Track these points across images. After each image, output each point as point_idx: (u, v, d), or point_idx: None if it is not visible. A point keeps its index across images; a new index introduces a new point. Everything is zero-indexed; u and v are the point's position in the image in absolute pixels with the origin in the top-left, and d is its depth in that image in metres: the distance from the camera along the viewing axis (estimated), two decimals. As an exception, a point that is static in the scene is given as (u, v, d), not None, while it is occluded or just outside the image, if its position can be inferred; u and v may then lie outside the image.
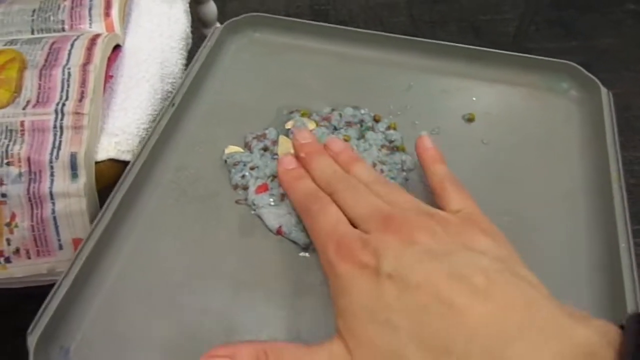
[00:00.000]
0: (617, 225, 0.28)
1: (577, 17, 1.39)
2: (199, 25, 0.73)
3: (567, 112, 0.36)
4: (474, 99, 0.36)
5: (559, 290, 0.27)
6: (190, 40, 0.44)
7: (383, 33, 0.39)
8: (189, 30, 0.44)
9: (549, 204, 0.31)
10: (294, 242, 0.29)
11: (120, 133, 0.35)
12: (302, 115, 0.35)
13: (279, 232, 0.29)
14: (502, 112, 0.36)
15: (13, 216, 0.32)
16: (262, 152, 0.33)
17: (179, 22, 0.42)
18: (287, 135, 0.33)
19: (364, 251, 0.22)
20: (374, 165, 0.32)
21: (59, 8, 0.40)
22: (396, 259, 0.21)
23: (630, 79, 1.26)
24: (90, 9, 0.40)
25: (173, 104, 0.34)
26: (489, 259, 0.21)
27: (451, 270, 0.20)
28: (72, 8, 0.40)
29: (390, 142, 0.33)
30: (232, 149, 0.33)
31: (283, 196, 0.30)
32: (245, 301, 0.26)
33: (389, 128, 0.34)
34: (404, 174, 0.32)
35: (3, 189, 0.32)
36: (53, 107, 0.33)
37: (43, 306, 0.25)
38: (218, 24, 0.73)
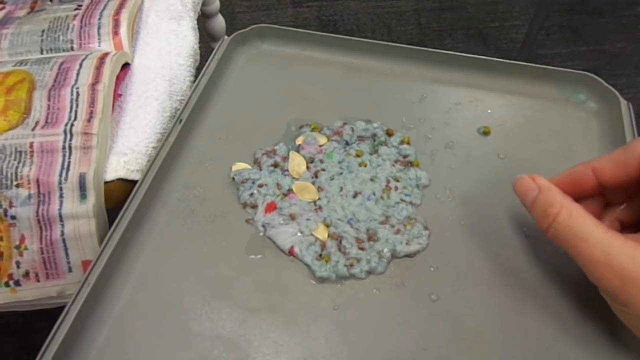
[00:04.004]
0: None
1: (588, 21, 1.37)
2: (207, 40, 0.73)
3: (585, 124, 0.35)
4: (489, 111, 0.36)
5: (582, 308, 0.26)
6: (198, 57, 0.44)
7: (394, 44, 0.38)
8: (196, 47, 0.44)
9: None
10: (307, 265, 0.28)
11: (129, 152, 0.34)
12: (313, 129, 0.34)
13: (291, 252, 0.28)
14: (518, 124, 0.35)
15: (22, 239, 0.31)
16: (271, 168, 0.32)
17: (186, 39, 0.42)
18: (297, 151, 0.33)
19: None
20: (388, 181, 0.31)
21: (67, 28, 0.40)
22: None
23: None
24: (99, 28, 0.40)
25: (180, 120, 0.33)
26: None
27: None
28: (81, 27, 0.40)
29: (404, 157, 0.33)
30: (239, 165, 0.33)
31: (294, 215, 0.29)
32: (258, 327, 0.26)
33: (402, 142, 0.33)
34: (419, 191, 0.31)
35: (12, 211, 0.31)
36: (62, 127, 0.33)
37: (52, 333, 0.24)
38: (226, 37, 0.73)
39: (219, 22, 0.70)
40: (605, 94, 0.35)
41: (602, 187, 0.25)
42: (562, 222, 0.23)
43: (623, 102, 0.34)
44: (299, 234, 0.29)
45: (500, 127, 0.34)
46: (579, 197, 0.25)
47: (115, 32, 0.40)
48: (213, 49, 0.39)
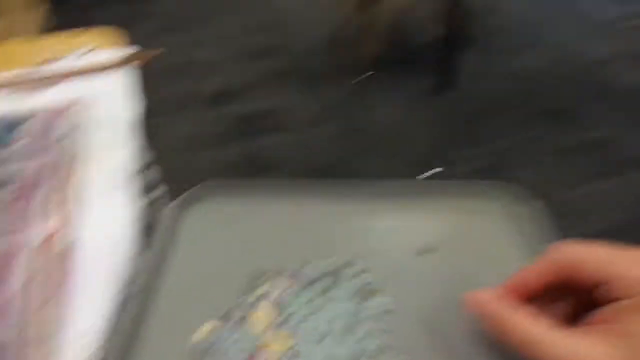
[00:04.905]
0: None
1: (481, 126, 1.59)
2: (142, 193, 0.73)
3: (511, 229, 0.38)
4: (421, 232, 0.38)
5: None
6: (141, 223, 0.45)
7: (328, 180, 0.41)
8: (139, 213, 0.44)
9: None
10: None
11: (84, 334, 0.32)
12: (272, 276, 0.35)
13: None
14: (451, 243, 0.37)
15: None
16: (238, 324, 0.32)
17: (129, 208, 0.43)
18: (262, 301, 0.33)
19: None
20: (355, 314, 0.32)
21: (6, 209, 0.39)
22: None
23: (540, 172, 1.42)
24: (39, 208, 0.40)
25: (133, 294, 0.33)
26: None
27: None
28: (20, 208, 0.39)
29: (366, 285, 0.34)
30: (204, 328, 0.32)
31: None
32: None
33: (361, 272, 0.35)
34: (387, 317, 0.32)
35: None
36: (11, 321, 0.31)
37: None
38: (160, 188, 0.74)
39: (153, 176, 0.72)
40: (522, 198, 0.39)
41: (546, 289, 0.27)
42: (511, 332, 0.25)
43: (537, 204, 0.38)
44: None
45: (438, 246, 0.37)
46: (532, 299, 0.27)
47: (57, 210, 0.40)
48: (149, 201, 0.39)
